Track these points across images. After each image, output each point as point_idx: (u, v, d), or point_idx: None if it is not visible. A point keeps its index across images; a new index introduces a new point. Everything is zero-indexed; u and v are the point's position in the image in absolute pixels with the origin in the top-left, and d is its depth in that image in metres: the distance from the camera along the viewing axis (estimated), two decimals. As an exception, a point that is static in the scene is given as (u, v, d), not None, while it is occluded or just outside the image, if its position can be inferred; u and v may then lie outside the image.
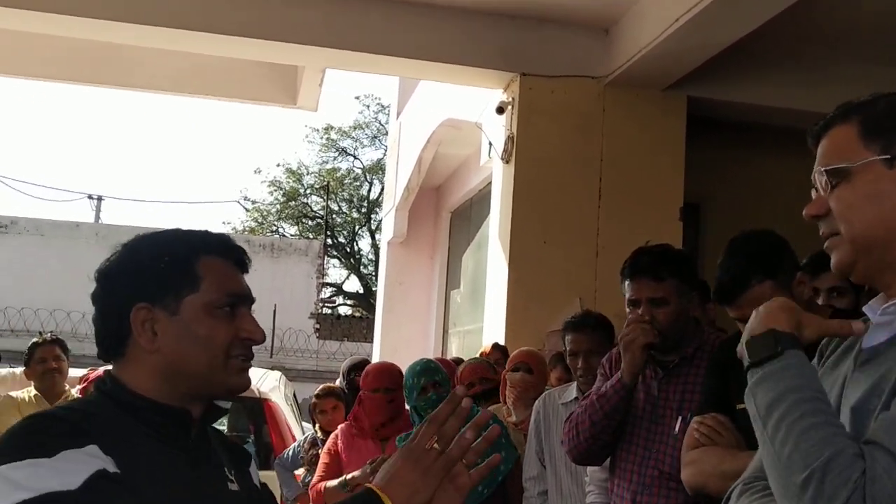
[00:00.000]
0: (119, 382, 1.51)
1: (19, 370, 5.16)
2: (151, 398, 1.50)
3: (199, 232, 1.62)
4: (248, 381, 1.60)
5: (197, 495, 1.48)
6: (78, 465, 1.29)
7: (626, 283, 2.96)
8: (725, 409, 2.39)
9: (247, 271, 1.64)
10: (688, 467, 2.37)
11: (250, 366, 1.60)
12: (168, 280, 1.52)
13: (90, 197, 25.84)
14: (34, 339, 4.85)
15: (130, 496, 1.32)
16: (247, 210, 31.48)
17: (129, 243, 1.57)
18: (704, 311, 4.02)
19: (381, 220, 15.60)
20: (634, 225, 6.06)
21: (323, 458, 4.51)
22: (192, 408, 1.54)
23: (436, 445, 1.44)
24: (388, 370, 4.61)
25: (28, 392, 4.73)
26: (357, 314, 27.37)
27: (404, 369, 4.34)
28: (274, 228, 31.33)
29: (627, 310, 2.97)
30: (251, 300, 1.62)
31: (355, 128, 30.76)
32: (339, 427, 4.61)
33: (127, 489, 1.33)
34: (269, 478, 5.47)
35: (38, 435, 1.33)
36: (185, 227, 1.63)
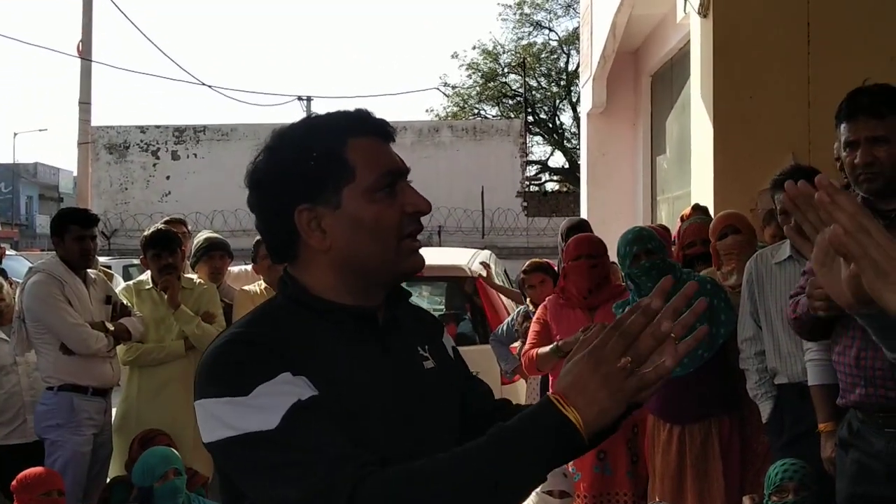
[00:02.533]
0: (299, 284, 1.50)
1: (249, 267, 5.60)
2: (331, 299, 1.49)
3: (338, 115, 1.54)
4: (422, 262, 1.53)
5: (393, 383, 1.47)
6: (273, 401, 1.31)
7: (843, 125, 2.80)
8: None
9: (394, 141, 1.56)
10: None
11: (421, 245, 1.54)
12: (322, 176, 1.46)
13: (300, 98, 26.84)
14: (258, 238, 5.22)
15: (328, 417, 1.33)
16: (447, 96, 31.80)
17: (271, 144, 1.52)
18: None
19: (580, 92, 15.30)
20: (850, 70, 5.58)
21: (533, 328, 4.62)
22: (372, 299, 1.51)
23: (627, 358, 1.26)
24: (587, 238, 4.67)
25: (259, 285, 5.12)
26: (564, 189, 27.29)
27: (614, 240, 4.34)
28: (476, 111, 31.49)
29: (843, 153, 2.81)
30: (406, 172, 1.54)
31: (547, -1, 30.06)
32: (547, 298, 4.70)
33: (324, 408, 1.33)
34: (486, 352, 5.68)
35: (234, 369, 1.36)
36: (322, 114, 1.56)
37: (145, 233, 5.14)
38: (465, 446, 1.28)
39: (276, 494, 1.29)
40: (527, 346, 4.60)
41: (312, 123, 1.54)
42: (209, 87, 28.20)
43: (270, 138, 1.52)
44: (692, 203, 6.12)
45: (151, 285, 5.05)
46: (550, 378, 4.57)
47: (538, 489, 3.80)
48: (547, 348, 4.41)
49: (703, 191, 6.25)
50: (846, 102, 2.80)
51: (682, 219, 5.65)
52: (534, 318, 4.71)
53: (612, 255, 5.24)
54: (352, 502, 1.23)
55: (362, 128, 1.51)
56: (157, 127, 23.76)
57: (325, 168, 1.46)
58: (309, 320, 1.47)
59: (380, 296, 1.53)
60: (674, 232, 5.48)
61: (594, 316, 4.42)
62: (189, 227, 5.84)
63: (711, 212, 5.59)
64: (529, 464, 1.26)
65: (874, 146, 2.72)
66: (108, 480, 4.68)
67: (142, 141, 23.55)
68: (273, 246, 1.54)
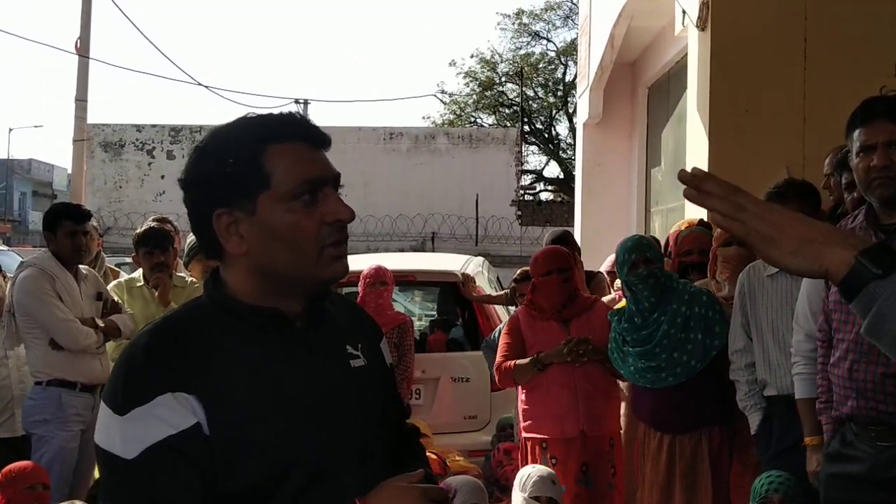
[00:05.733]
0: (221, 285, 1.52)
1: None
2: (246, 301, 1.49)
3: (264, 119, 1.52)
4: (345, 269, 1.51)
5: (307, 382, 1.48)
6: (139, 432, 1.35)
7: (858, 130, 2.80)
8: None
9: (326, 147, 1.52)
10: None
11: (345, 252, 1.51)
12: (237, 182, 1.45)
13: (296, 101, 26.75)
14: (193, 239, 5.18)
15: (188, 461, 1.36)
16: (444, 103, 31.81)
17: (199, 145, 1.51)
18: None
19: (577, 103, 15.33)
20: (845, 86, 5.63)
21: (504, 340, 4.56)
22: (292, 304, 1.50)
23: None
24: (556, 252, 4.62)
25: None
26: (558, 199, 27.31)
27: (607, 251, 4.35)
28: (472, 119, 31.52)
29: (855, 159, 2.83)
30: (332, 179, 1.51)
31: (546, 9, 30.24)
32: (517, 310, 4.67)
33: (192, 446, 1.36)
34: (478, 358, 5.67)
35: (119, 383, 1.40)
36: (252, 115, 1.54)
37: (138, 230, 5.14)
38: None
39: None
40: (499, 358, 4.52)
41: (236, 126, 1.52)
42: (206, 87, 28.21)
43: (203, 138, 1.52)
44: (685, 215, 6.12)
45: (143, 283, 5.04)
46: (523, 390, 4.52)
47: (525, 495, 3.79)
48: (526, 360, 4.38)
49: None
50: (862, 108, 2.82)
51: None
52: (505, 330, 4.67)
53: (604, 265, 5.25)
54: None
55: (287, 133, 1.49)
56: (154, 126, 23.70)
57: (240, 174, 1.45)
58: (223, 320, 1.48)
59: (300, 302, 1.52)
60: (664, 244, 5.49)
61: (569, 328, 4.41)
62: (177, 226, 5.83)
63: (704, 224, 5.60)
64: None
65: (891, 150, 2.73)
66: (96, 477, 4.67)
67: (137, 140, 23.49)
68: (202, 244, 1.55)
